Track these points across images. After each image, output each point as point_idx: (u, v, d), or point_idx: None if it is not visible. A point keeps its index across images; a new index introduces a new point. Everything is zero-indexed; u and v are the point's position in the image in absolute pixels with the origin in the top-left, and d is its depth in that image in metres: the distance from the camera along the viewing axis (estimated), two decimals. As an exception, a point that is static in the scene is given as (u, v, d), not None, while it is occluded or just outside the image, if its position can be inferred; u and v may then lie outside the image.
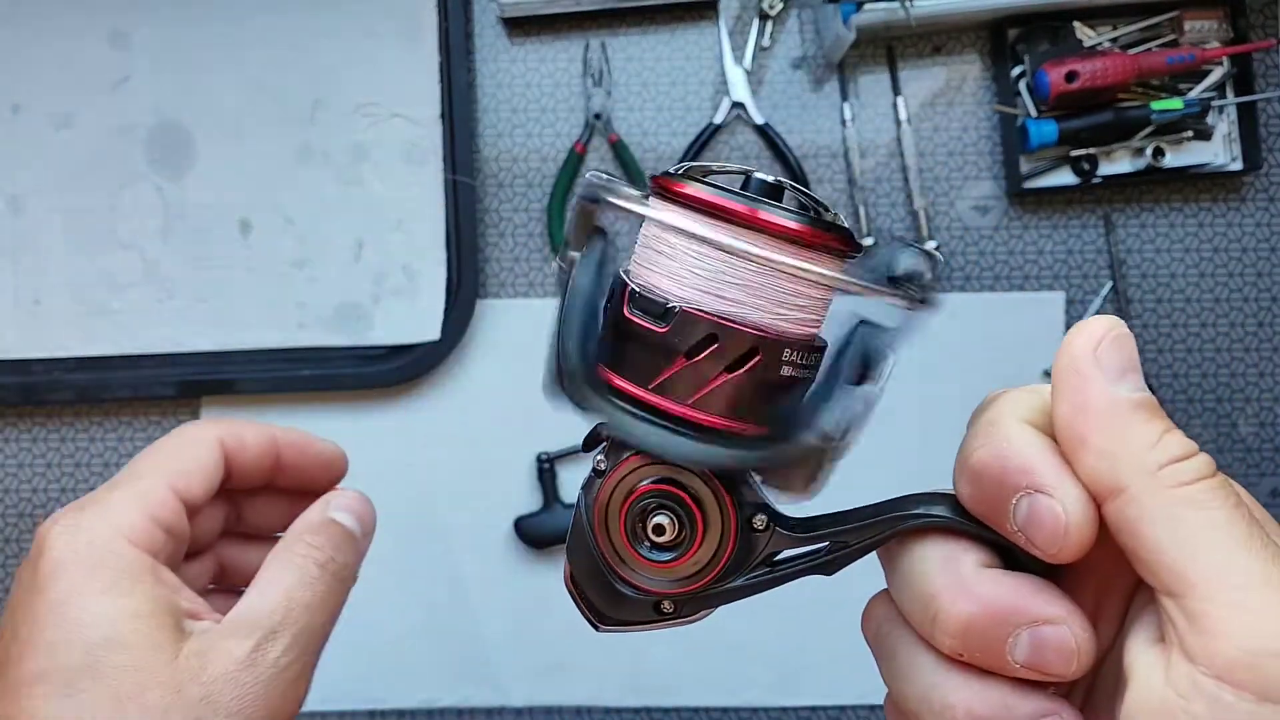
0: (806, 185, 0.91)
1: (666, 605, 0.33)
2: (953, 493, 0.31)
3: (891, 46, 0.92)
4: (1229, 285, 0.92)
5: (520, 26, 0.92)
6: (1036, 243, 0.92)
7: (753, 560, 0.32)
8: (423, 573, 0.90)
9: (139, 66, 0.90)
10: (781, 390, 0.30)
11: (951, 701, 0.29)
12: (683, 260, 0.29)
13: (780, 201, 0.29)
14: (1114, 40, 0.90)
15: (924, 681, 0.29)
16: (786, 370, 0.30)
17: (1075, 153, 0.89)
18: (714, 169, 0.30)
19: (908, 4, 0.84)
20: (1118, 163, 0.90)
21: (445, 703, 0.88)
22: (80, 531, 0.35)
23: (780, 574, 0.32)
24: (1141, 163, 0.90)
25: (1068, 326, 0.91)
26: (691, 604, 0.33)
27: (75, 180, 0.89)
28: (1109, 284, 0.92)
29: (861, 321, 0.31)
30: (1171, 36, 0.90)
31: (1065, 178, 0.90)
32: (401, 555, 0.89)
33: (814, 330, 0.31)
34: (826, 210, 0.30)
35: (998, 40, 0.91)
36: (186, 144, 0.90)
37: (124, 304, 0.89)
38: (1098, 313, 0.91)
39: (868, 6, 0.85)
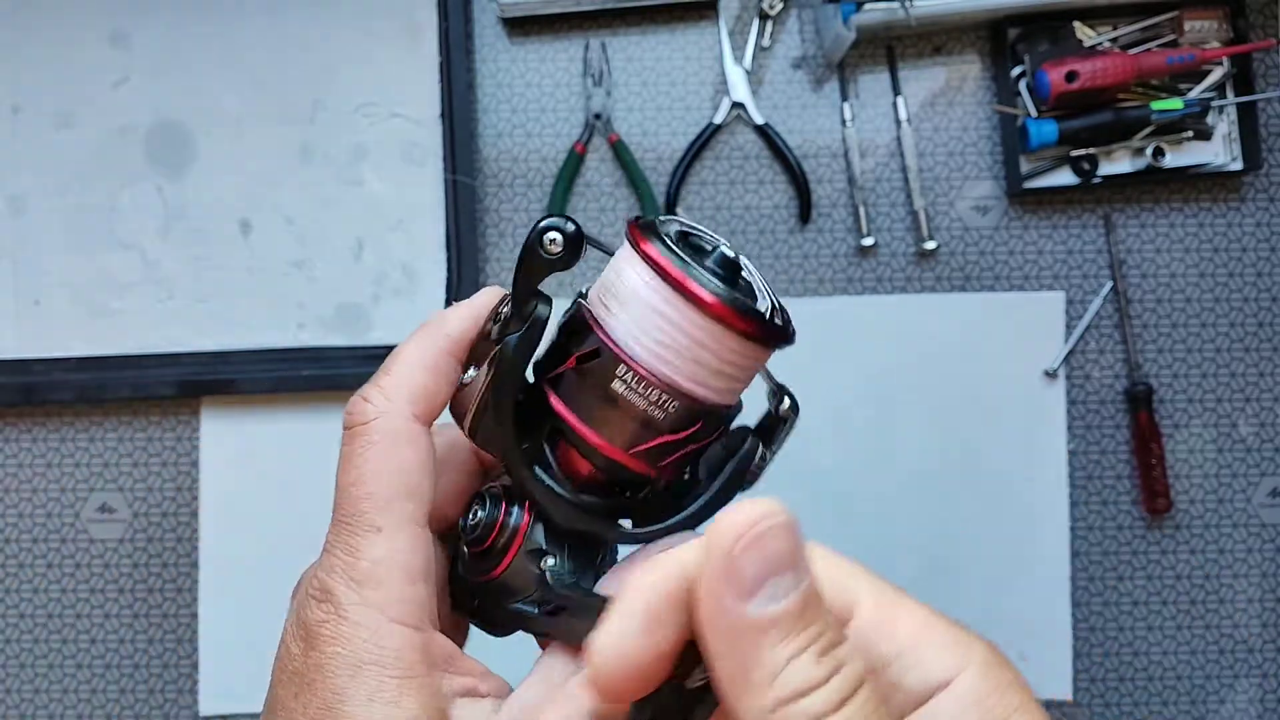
0: (807, 186, 0.91)
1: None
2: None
3: (891, 46, 0.92)
4: (1229, 285, 0.92)
5: (520, 26, 0.92)
6: (1036, 243, 0.92)
7: (530, 592, 0.33)
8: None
9: (139, 66, 0.90)
10: (684, 454, 0.32)
11: None
12: (631, 311, 0.31)
13: (736, 281, 0.31)
14: (1114, 40, 0.90)
15: None
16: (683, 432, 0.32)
17: (1075, 153, 0.89)
18: (689, 230, 0.32)
19: (908, 4, 0.84)
20: (1118, 163, 0.90)
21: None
22: (346, 620, 0.31)
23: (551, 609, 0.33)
24: (1141, 163, 0.90)
25: (1068, 327, 0.91)
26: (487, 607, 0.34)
27: (75, 180, 0.89)
28: (1109, 284, 0.92)
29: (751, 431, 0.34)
30: (1171, 36, 0.90)
31: (1065, 178, 0.90)
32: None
33: (722, 403, 0.32)
34: (775, 308, 0.32)
35: (998, 40, 0.91)
36: (186, 144, 0.90)
37: (124, 304, 0.89)
38: (1097, 313, 0.91)
39: (868, 6, 0.85)
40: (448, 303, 0.88)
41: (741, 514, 0.25)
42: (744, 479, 0.33)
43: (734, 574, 0.25)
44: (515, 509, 0.33)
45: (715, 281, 0.30)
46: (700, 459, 0.33)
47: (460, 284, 0.88)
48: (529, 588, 0.32)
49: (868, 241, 0.91)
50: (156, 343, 0.89)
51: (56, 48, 0.89)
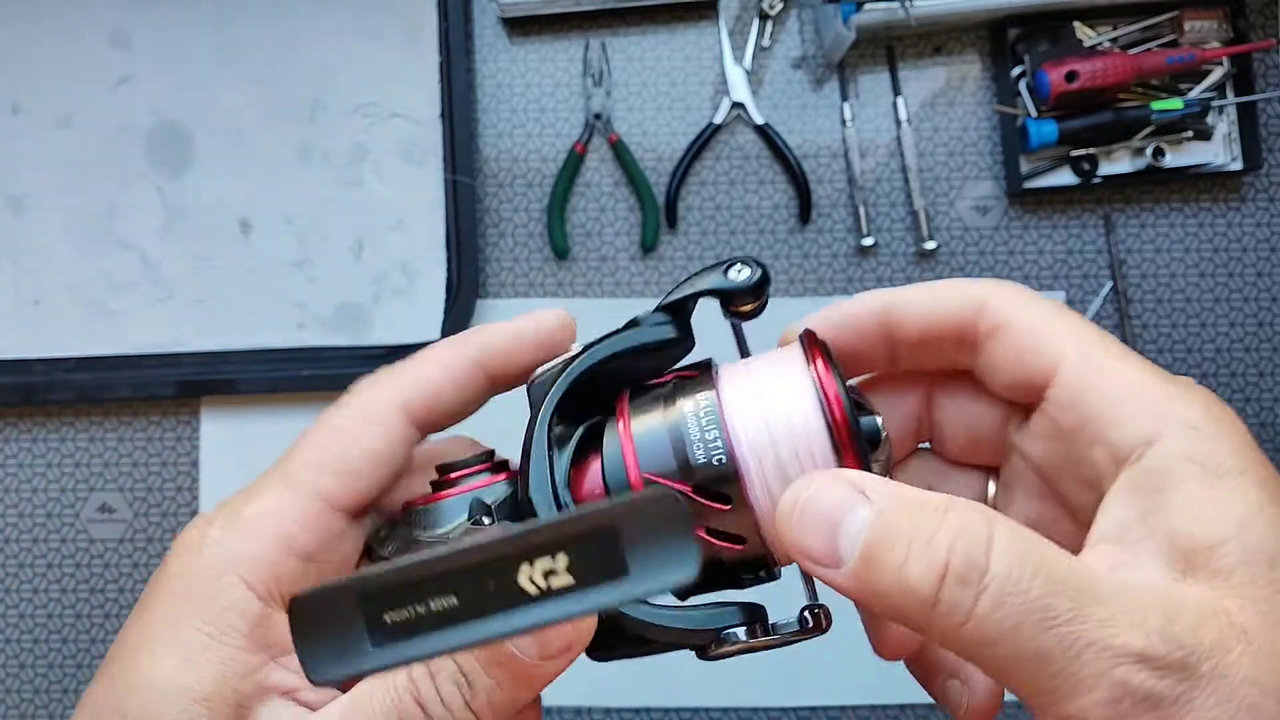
0: (807, 186, 0.91)
1: None
2: None
3: (891, 46, 0.92)
4: (1229, 285, 0.92)
5: (520, 26, 0.92)
6: (1036, 243, 0.92)
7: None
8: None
9: (139, 66, 0.90)
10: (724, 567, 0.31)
11: None
12: (777, 447, 0.30)
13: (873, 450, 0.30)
14: (1114, 40, 0.90)
15: None
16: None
17: (1075, 153, 0.89)
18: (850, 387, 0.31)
19: (908, 4, 0.84)
20: (1118, 163, 0.90)
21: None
22: (200, 553, 0.30)
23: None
24: (1141, 163, 0.90)
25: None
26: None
27: (75, 180, 0.89)
28: (1109, 284, 0.92)
29: None
30: (1171, 36, 0.90)
31: (1065, 178, 0.90)
32: (401, 555, 0.89)
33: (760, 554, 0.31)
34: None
35: (998, 40, 0.91)
36: (186, 144, 0.90)
37: (124, 304, 0.89)
38: (1097, 313, 0.91)
39: (868, 6, 0.85)
40: (447, 302, 0.88)
41: (783, 502, 0.27)
42: (710, 637, 0.31)
43: (808, 555, 0.26)
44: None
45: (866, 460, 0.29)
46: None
47: (460, 284, 0.88)
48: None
49: (868, 241, 0.91)
50: (156, 343, 0.89)
51: (56, 48, 0.89)
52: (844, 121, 0.92)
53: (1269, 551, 0.25)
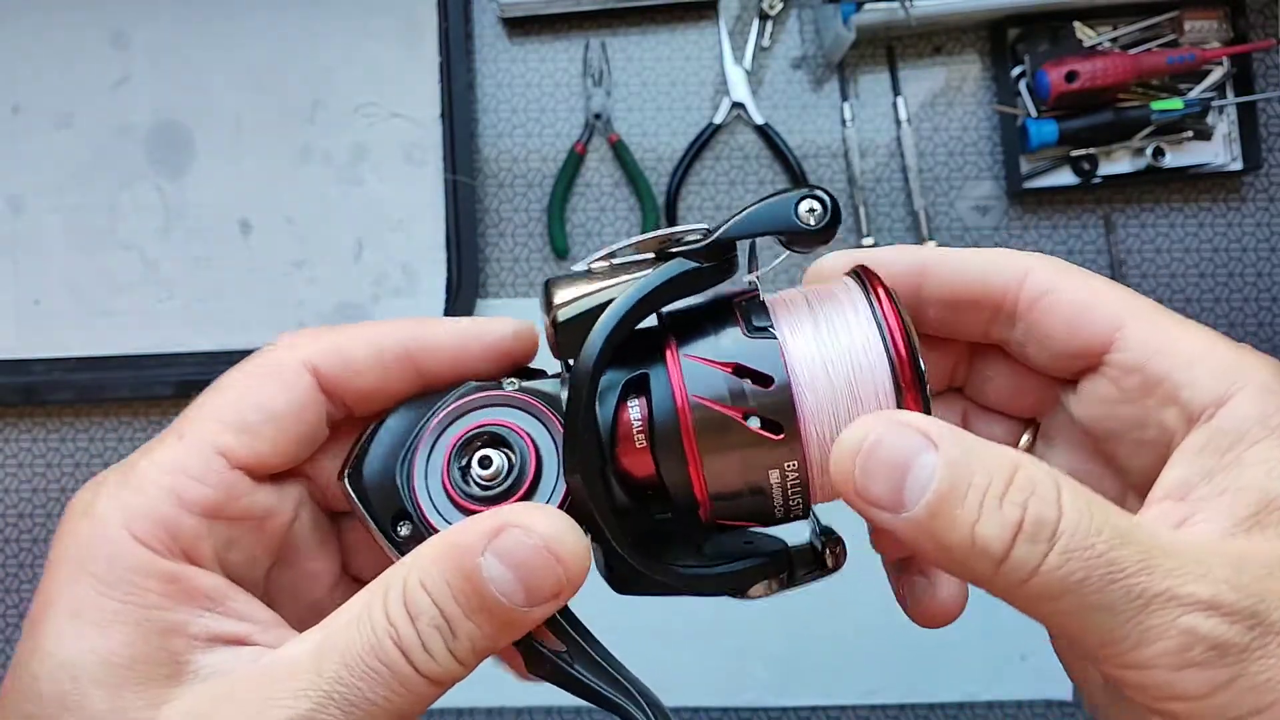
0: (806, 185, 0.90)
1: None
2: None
3: (891, 46, 0.92)
4: (1229, 285, 0.92)
5: (520, 26, 0.92)
6: (1036, 243, 0.92)
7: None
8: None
9: (139, 66, 0.90)
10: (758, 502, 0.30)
11: None
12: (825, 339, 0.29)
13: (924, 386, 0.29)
14: (1114, 40, 0.90)
15: None
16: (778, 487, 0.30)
17: (1075, 153, 0.89)
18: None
19: (908, 4, 0.84)
20: (1118, 163, 0.90)
21: (445, 703, 0.88)
22: (89, 514, 0.28)
23: None
24: (1141, 163, 0.90)
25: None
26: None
27: (75, 180, 0.89)
28: (1109, 284, 0.92)
29: None
30: (1171, 36, 0.90)
31: (1065, 178, 0.90)
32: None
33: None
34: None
35: (998, 40, 0.91)
36: (186, 144, 0.90)
37: (124, 304, 0.89)
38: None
39: (868, 6, 0.85)
40: (448, 302, 0.88)
41: (845, 441, 0.26)
42: (742, 586, 0.31)
43: (869, 498, 0.26)
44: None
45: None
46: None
47: (460, 284, 0.88)
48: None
49: (868, 241, 0.91)
50: (156, 343, 0.89)
51: (56, 48, 0.89)
52: (844, 121, 0.92)
53: None
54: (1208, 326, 0.29)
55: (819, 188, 0.29)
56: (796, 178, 0.91)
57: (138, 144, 0.89)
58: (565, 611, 0.30)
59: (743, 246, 0.31)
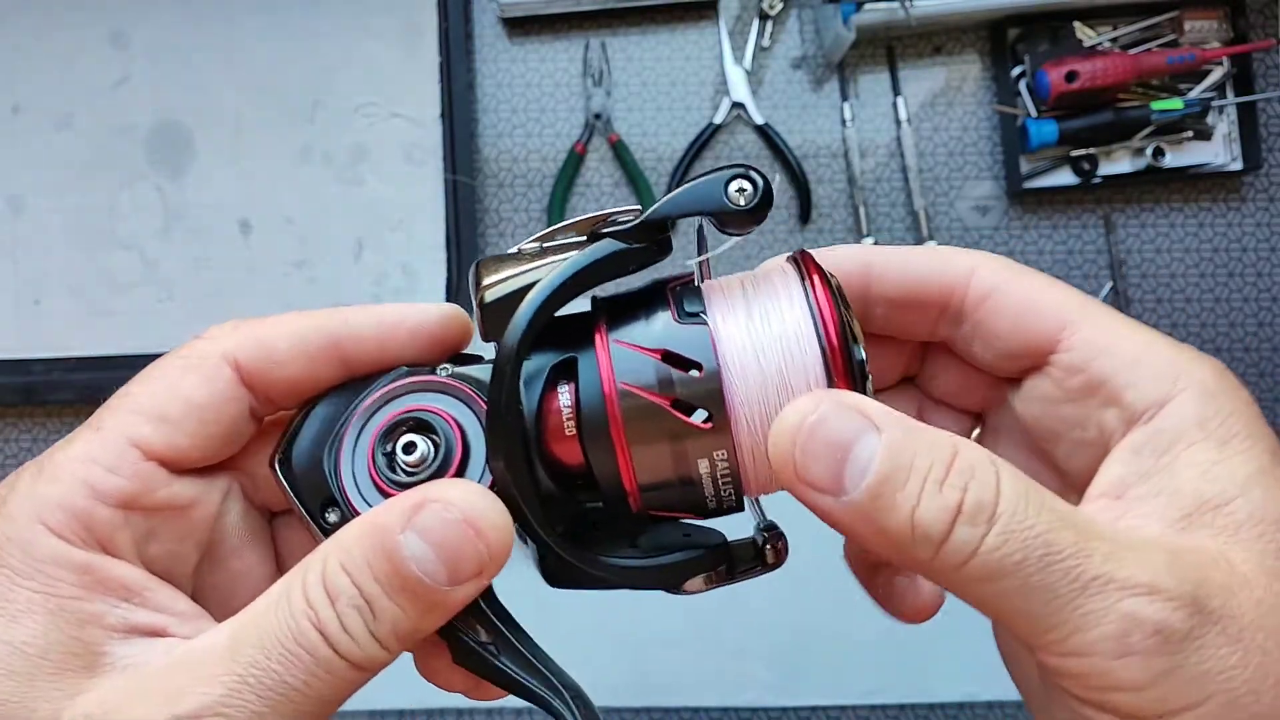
0: (807, 186, 0.91)
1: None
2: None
3: (891, 46, 0.92)
4: (1229, 285, 0.92)
5: (520, 26, 0.92)
6: (1036, 243, 0.92)
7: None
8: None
9: (139, 66, 0.90)
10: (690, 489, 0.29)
11: None
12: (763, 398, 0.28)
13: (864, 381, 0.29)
14: (1114, 40, 0.90)
15: None
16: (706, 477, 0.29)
17: (1075, 153, 0.89)
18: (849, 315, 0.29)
19: (908, 4, 0.84)
20: (1118, 163, 0.90)
21: (445, 703, 0.88)
22: (4, 506, 0.28)
23: None
24: (1141, 163, 0.90)
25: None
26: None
27: (75, 180, 0.89)
28: (1109, 284, 0.92)
29: None
30: (1171, 36, 0.90)
31: (1065, 178, 0.90)
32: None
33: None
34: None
35: (998, 40, 0.91)
36: (186, 144, 0.90)
37: (124, 304, 0.89)
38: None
39: (868, 6, 0.85)
40: (448, 302, 0.88)
41: (785, 420, 0.25)
42: (677, 580, 0.30)
43: (808, 480, 0.25)
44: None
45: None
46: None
47: (460, 284, 0.88)
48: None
49: (868, 241, 0.91)
50: (156, 343, 0.88)
51: (56, 48, 0.89)
52: (844, 121, 0.92)
53: (1273, 513, 0.26)
54: (1151, 327, 0.29)
55: (751, 167, 0.28)
56: (797, 178, 0.91)
57: (138, 144, 0.89)
58: (492, 602, 0.30)
59: (693, 231, 0.31)
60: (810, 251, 0.30)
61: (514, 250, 0.30)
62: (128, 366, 0.32)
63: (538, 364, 0.29)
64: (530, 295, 0.28)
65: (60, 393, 0.88)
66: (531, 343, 0.28)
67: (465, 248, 0.88)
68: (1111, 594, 0.24)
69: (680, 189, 0.29)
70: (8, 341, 0.89)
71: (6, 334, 0.89)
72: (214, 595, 0.31)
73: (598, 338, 0.29)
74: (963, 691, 0.88)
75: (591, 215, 0.30)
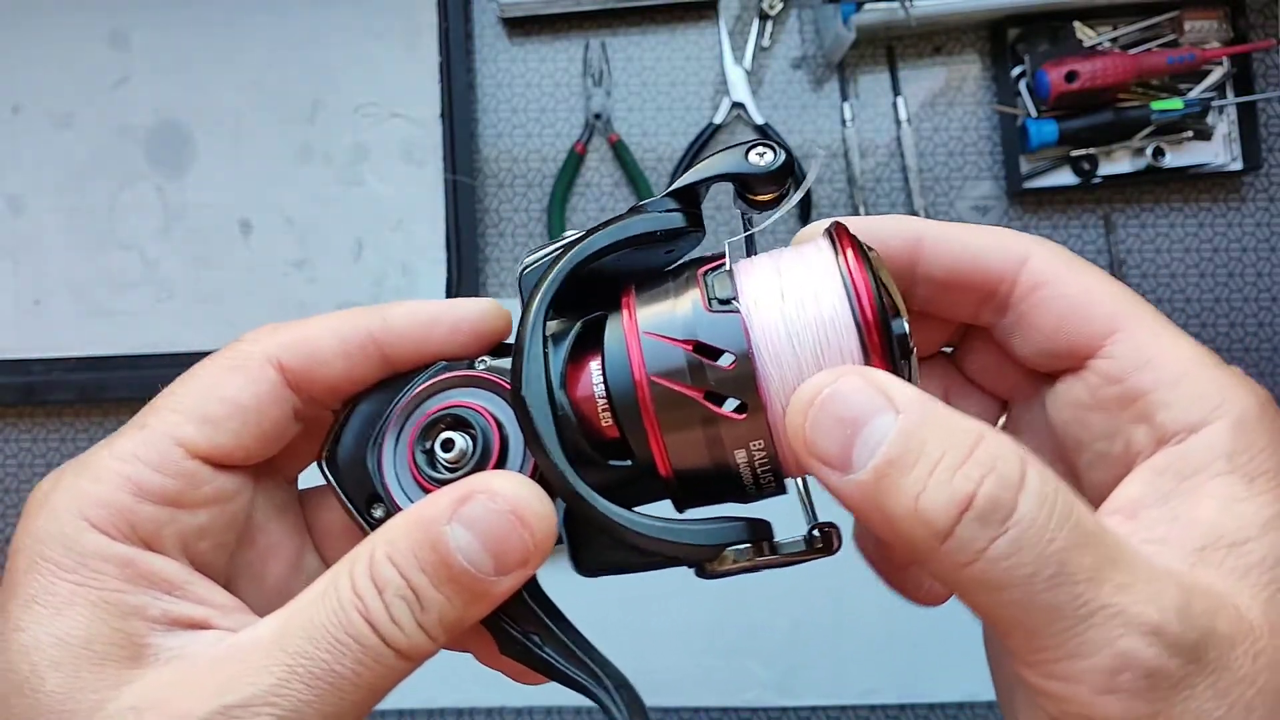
0: (807, 190, 0.91)
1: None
2: None
3: (891, 46, 0.92)
4: (1229, 285, 0.92)
5: (520, 26, 0.92)
6: (1036, 243, 0.92)
7: None
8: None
9: (139, 66, 0.90)
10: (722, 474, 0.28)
11: None
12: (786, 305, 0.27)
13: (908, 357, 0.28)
14: (1114, 40, 0.90)
15: None
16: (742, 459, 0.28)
17: (1075, 153, 0.89)
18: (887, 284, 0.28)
19: (908, 4, 0.84)
20: (1118, 163, 0.90)
21: (445, 703, 0.88)
22: (45, 508, 0.28)
23: None
24: (1141, 163, 0.90)
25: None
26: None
27: (75, 180, 0.89)
28: (1109, 284, 0.92)
29: None
30: (1171, 36, 0.90)
31: (1065, 178, 0.90)
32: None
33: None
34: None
35: (998, 40, 0.91)
36: (186, 144, 0.90)
37: (124, 304, 0.89)
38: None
39: (868, 6, 0.85)
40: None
41: (801, 394, 0.25)
42: (711, 552, 0.29)
43: (816, 453, 0.25)
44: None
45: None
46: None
47: (460, 283, 0.88)
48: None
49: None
50: (156, 343, 0.89)
51: (56, 48, 0.89)
52: (844, 121, 0.92)
53: None
54: (1197, 342, 0.28)
55: (771, 138, 0.29)
56: (796, 177, 0.91)
57: (138, 144, 0.89)
58: (537, 593, 0.30)
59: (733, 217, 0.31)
60: (852, 220, 0.30)
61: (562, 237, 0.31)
62: (128, 366, 0.32)
63: (563, 328, 0.29)
64: (559, 265, 0.29)
65: (60, 393, 0.88)
66: (553, 308, 0.28)
67: (465, 248, 0.88)
68: (1115, 627, 0.23)
69: (702, 161, 0.29)
70: (8, 341, 0.89)
71: (6, 334, 0.89)
72: (246, 571, 0.32)
73: (625, 316, 0.28)
74: (963, 691, 0.88)
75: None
